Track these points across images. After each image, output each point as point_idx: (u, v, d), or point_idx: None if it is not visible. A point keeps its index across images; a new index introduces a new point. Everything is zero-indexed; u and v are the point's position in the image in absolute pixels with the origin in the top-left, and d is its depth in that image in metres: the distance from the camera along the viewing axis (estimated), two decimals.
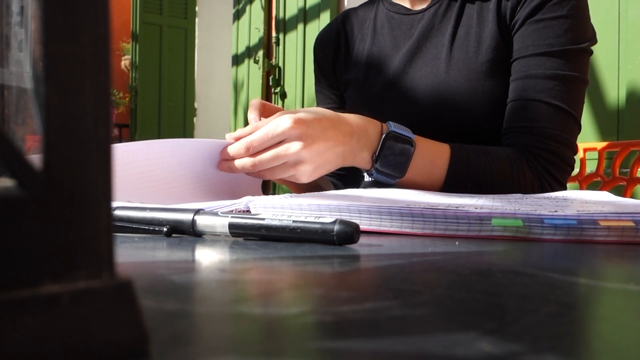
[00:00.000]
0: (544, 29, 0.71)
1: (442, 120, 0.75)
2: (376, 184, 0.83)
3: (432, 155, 0.65)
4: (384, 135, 0.62)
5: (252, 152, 0.58)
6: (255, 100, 0.69)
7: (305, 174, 0.59)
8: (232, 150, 0.60)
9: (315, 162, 0.58)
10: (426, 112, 0.76)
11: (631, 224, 0.38)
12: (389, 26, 0.85)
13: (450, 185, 0.66)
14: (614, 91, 1.59)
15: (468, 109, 0.74)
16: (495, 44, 0.74)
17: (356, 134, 0.61)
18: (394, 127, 0.63)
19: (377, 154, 0.62)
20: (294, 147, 0.56)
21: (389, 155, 0.62)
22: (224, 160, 0.61)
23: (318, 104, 0.95)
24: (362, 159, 0.62)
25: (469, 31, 0.76)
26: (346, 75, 0.89)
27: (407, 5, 0.84)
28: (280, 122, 0.56)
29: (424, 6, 0.82)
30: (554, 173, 0.70)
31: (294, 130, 0.56)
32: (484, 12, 0.76)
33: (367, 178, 0.88)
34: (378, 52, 0.84)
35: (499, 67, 0.74)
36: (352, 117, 0.62)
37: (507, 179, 0.67)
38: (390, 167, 0.63)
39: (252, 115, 0.69)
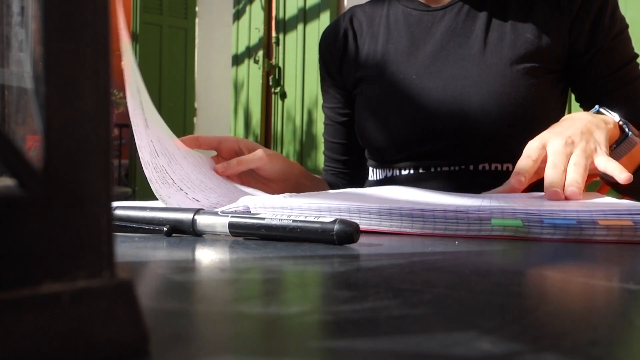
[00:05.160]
0: (624, 41, 0.79)
1: (469, 123, 0.75)
2: (381, 183, 0.83)
3: None
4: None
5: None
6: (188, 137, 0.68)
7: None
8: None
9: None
10: (453, 113, 0.76)
11: (630, 223, 0.38)
12: (405, 23, 0.84)
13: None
14: None
15: (498, 114, 0.74)
16: (534, 52, 0.75)
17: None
18: (627, 130, 0.68)
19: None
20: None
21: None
22: None
23: (324, 103, 0.95)
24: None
25: (502, 37, 0.77)
26: (357, 73, 0.88)
27: (424, 1, 0.84)
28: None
29: (443, 3, 0.82)
30: None
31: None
32: (521, 19, 0.77)
33: (371, 177, 0.88)
34: (394, 49, 0.84)
35: (533, 76, 0.75)
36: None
37: None
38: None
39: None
